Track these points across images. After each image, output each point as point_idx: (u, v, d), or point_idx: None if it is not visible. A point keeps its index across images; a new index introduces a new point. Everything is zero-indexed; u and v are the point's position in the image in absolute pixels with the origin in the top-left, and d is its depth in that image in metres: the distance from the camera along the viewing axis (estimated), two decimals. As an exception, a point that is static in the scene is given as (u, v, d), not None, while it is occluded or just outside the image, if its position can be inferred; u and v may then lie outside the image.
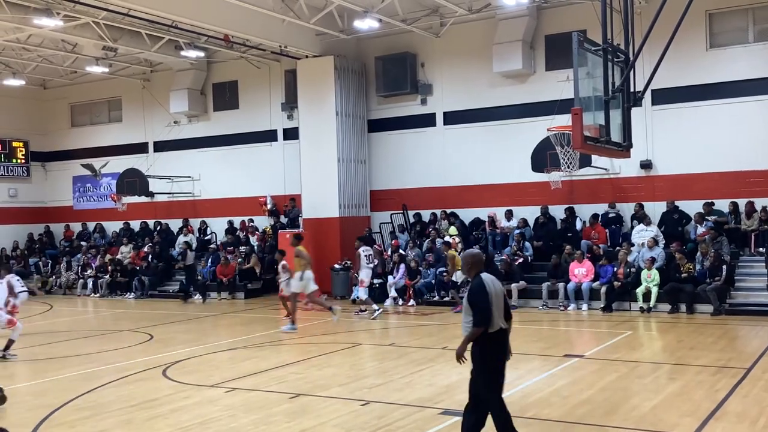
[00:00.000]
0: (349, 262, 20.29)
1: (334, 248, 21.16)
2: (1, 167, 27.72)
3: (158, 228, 25.83)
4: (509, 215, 20.00)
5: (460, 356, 6.30)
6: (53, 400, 9.23)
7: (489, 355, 6.21)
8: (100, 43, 21.55)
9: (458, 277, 17.62)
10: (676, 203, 18.13)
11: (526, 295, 17.97)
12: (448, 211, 20.93)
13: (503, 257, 18.54)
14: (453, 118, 21.29)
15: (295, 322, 15.09)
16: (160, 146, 26.11)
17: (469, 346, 6.26)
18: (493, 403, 6.27)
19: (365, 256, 17.19)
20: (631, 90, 10.52)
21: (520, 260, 18.54)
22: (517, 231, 19.26)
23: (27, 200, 28.32)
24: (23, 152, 28.33)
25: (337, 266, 20.82)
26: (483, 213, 20.40)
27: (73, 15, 18.96)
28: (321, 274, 20.56)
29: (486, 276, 6.33)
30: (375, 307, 16.78)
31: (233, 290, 21.92)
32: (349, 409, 8.45)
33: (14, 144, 27.99)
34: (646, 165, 18.63)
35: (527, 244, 19.01)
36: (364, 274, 17.14)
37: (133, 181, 24.32)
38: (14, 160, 28.09)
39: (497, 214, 20.09)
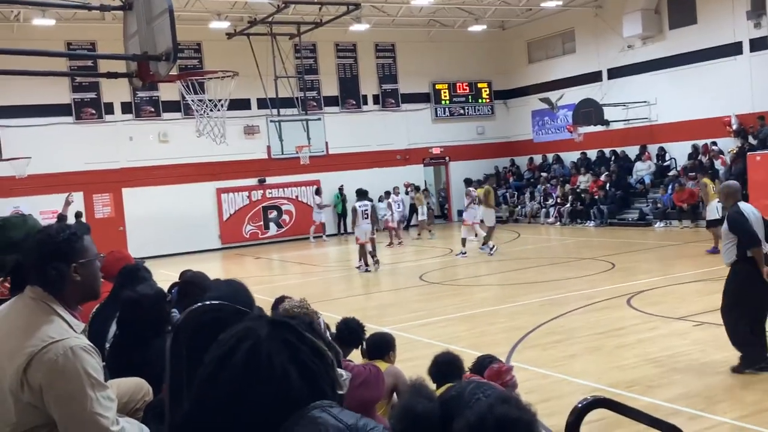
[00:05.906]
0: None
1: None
2: (470, 107, 30.39)
3: (614, 156, 25.77)
4: None
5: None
6: (526, 322, 10.02)
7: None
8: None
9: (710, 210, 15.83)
10: None
11: None
12: None
13: None
14: None
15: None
16: (614, 73, 25.78)
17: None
18: None
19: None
20: None
21: None
22: None
23: (492, 136, 30.63)
24: (487, 92, 30.61)
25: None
26: None
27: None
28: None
29: (744, 204, 7.03)
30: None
31: (695, 218, 20.89)
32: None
33: (479, 85, 30.40)
34: None
35: None
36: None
37: (588, 111, 24.53)
38: (480, 100, 30.54)
39: None
